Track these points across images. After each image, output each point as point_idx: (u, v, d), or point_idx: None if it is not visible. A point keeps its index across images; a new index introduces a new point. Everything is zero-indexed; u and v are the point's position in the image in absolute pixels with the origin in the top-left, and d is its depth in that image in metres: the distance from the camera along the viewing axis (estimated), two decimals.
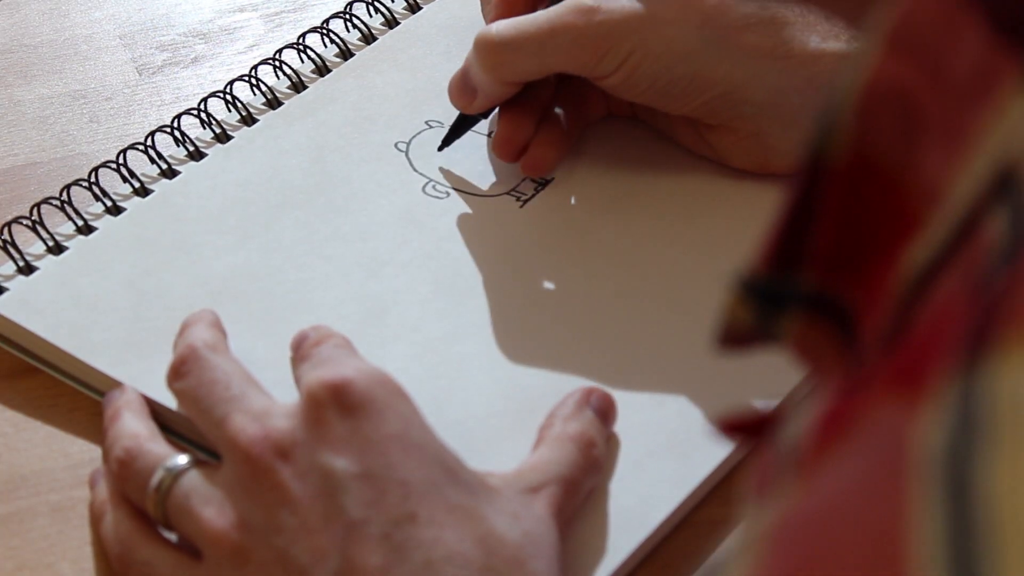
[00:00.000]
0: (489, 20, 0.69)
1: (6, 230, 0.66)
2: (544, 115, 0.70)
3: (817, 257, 0.33)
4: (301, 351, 0.58)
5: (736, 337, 0.35)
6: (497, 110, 0.70)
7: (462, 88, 0.68)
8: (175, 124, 0.71)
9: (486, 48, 0.66)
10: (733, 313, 0.34)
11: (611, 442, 0.58)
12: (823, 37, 0.66)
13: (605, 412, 0.58)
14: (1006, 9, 0.28)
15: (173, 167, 0.70)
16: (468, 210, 0.68)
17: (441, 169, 0.70)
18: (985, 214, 0.27)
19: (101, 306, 0.63)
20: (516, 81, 0.68)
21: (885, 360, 0.28)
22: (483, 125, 0.71)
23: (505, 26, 0.66)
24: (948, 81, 0.29)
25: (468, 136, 0.71)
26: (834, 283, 0.33)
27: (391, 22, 0.78)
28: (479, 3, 0.73)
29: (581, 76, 0.67)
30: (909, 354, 0.27)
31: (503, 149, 0.69)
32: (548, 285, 0.65)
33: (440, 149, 0.71)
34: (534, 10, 0.68)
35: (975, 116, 0.28)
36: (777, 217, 0.33)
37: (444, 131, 0.71)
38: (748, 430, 0.34)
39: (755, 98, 0.67)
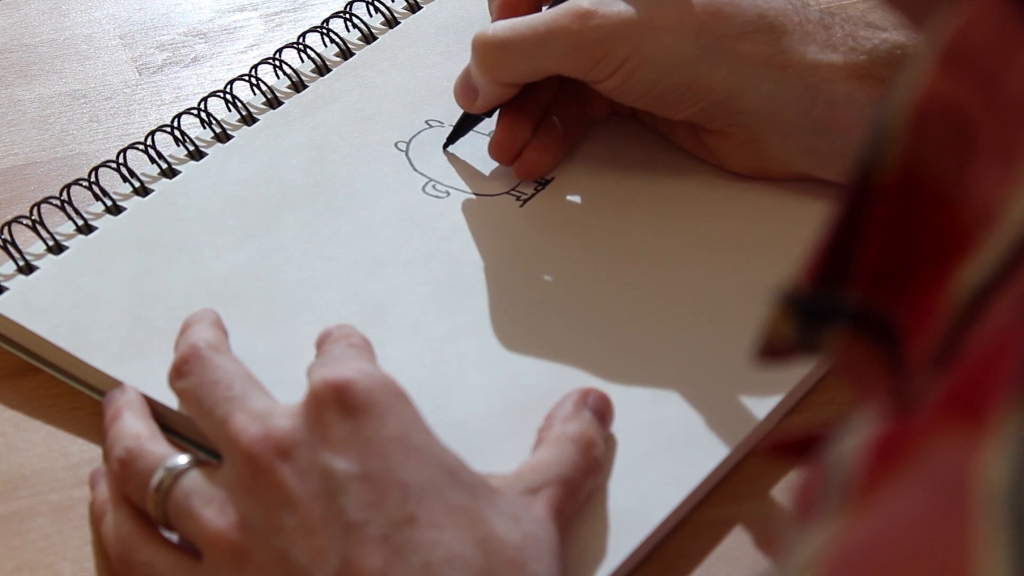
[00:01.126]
0: (494, 19, 0.69)
1: (6, 230, 0.66)
2: (544, 116, 0.70)
3: (863, 274, 0.33)
4: (321, 348, 0.58)
5: (777, 351, 0.35)
6: (499, 110, 0.70)
7: (465, 88, 0.69)
8: (175, 124, 0.71)
9: (482, 49, 0.67)
10: (775, 327, 0.34)
11: (609, 443, 0.58)
12: (821, 47, 0.66)
13: (603, 413, 0.58)
14: None
15: (173, 167, 0.70)
16: (468, 210, 0.68)
17: (443, 163, 0.70)
18: None
19: (101, 306, 0.63)
20: (512, 83, 0.68)
21: (939, 386, 0.28)
22: (485, 125, 0.71)
23: (502, 28, 0.66)
24: (1003, 99, 0.29)
25: (469, 136, 0.71)
26: (879, 301, 0.33)
27: (391, 22, 0.78)
28: (485, 4, 0.73)
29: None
30: (965, 382, 0.27)
31: (499, 152, 0.69)
32: (548, 284, 0.65)
33: (445, 147, 0.71)
34: (538, 11, 0.68)
35: None
36: (824, 232, 0.33)
37: (444, 130, 0.72)
38: (795, 450, 0.34)
39: (752, 106, 0.67)
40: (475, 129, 0.72)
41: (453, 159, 0.71)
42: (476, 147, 0.71)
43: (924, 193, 0.31)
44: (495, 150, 0.69)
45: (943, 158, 0.31)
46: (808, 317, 0.34)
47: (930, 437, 0.27)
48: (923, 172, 0.31)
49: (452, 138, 0.71)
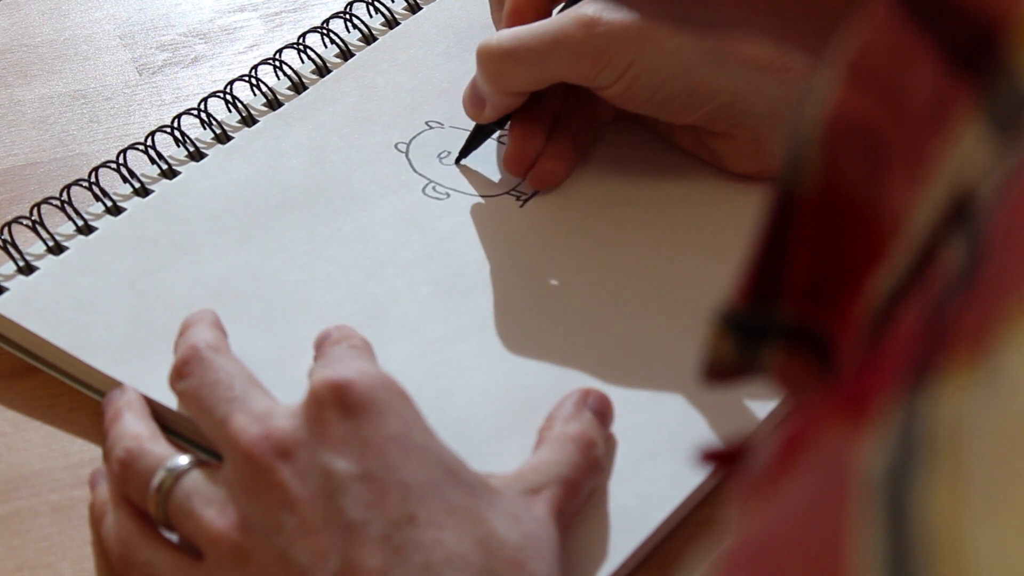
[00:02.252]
0: (499, 28, 0.69)
1: (6, 230, 0.66)
2: (554, 123, 0.70)
3: (793, 289, 0.33)
4: (320, 350, 0.58)
5: (720, 370, 0.35)
6: (510, 122, 0.70)
7: (473, 99, 0.69)
8: (175, 124, 0.71)
9: (487, 58, 0.67)
10: (715, 348, 0.35)
11: (609, 443, 0.58)
12: None
13: (603, 413, 0.58)
14: (957, 40, 0.28)
15: (173, 167, 0.70)
16: (468, 210, 0.68)
17: (443, 165, 0.70)
18: (943, 241, 0.27)
19: (101, 306, 0.63)
20: (519, 91, 0.68)
21: (840, 387, 0.28)
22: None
23: (507, 36, 0.67)
24: (907, 112, 0.29)
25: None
26: (811, 314, 0.33)
27: (391, 22, 0.78)
28: (485, 5, 0.73)
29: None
30: (861, 380, 0.27)
31: (514, 164, 0.69)
32: (548, 285, 0.65)
33: (458, 161, 0.71)
34: (544, 18, 0.68)
35: (933, 145, 0.28)
36: (752, 249, 0.33)
37: (445, 131, 0.72)
38: (726, 458, 0.34)
39: (755, 109, 0.67)
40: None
41: (453, 160, 0.71)
42: (476, 150, 0.71)
43: (843, 206, 0.32)
44: (510, 162, 0.69)
45: (857, 171, 0.31)
46: (745, 335, 0.34)
47: (821, 433, 0.27)
48: (840, 185, 0.32)
49: (465, 152, 0.71)
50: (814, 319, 0.33)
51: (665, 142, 0.72)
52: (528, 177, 0.69)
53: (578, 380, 0.60)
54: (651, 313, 0.64)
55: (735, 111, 0.67)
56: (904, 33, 0.29)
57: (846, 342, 0.32)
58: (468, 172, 0.70)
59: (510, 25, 0.68)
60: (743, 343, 0.34)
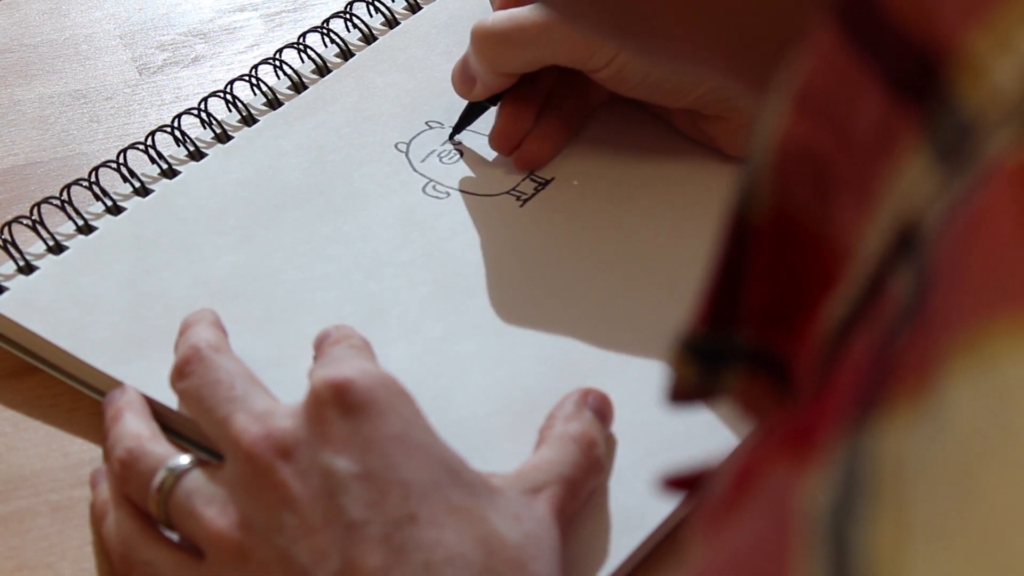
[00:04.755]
0: (495, 8, 0.69)
1: (6, 230, 0.66)
2: (546, 104, 0.70)
3: (751, 313, 0.33)
4: (320, 350, 0.58)
5: (684, 395, 0.35)
6: (501, 100, 0.70)
7: (463, 76, 0.70)
8: (175, 124, 0.71)
9: (481, 39, 0.67)
10: (678, 372, 0.35)
11: (610, 442, 0.58)
12: None
13: (603, 412, 0.58)
14: (900, 69, 0.28)
15: (173, 167, 0.70)
16: (468, 210, 0.68)
17: (443, 164, 0.70)
18: (891, 271, 0.27)
19: (101, 306, 0.63)
20: (511, 72, 0.68)
21: (789, 419, 0.28)
22: (484, 125, 0.71)
23: (501, 18, 0.67)
24: (854, 139, 0.30)
25: (469, 136, 0.72)
26: (770, 338, 0.33)
27: (391, 22, 0.78)
28: (485, 5, 0.73)
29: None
30: (808, 414, 0.27)
31: (500, 142, 0.70)
32: (548, 285, 0.65)
33: (451, 137, 0.71)
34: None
35: (880, 173, 0.28)
36: (709, 275, 0.34)
37: (445, 131, 0.72)
38: (690, 485, 0.34)
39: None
40: (475, 130, 0.72)
41: (453, 160, 0.71)
42: (475, 147, 0.71)
43: (796, 232, 0.32)
44: (496, 139, 0.70)
45: (808, 198, 0.31)
46: (706, 360, 0.34)
47: (769, 465, 0.27)
48: (792, 212, 0.32)
49: (458, 128, 0.72)
50: (773, 343, 0.33)
51: (664, 131, 0.72)
52: (513, 157, 0.70)
53: (578, 379, 0.60)
54: (652, 313, 0.64)
55: (727, 94, 0.67)
56: (849, 61, 0.29)
57: (802, 367, 0.32)
58: (468, 172, 0.70)
59: (505, 7, 0.68)
60: (704, 367, 0.34)
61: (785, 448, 0.27)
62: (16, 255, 0.65)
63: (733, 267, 0.33)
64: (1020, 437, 0.22)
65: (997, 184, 0.24)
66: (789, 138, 0.31)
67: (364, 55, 0.76)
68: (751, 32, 0.33)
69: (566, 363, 0.61)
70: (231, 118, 0.73)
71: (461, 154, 0.71)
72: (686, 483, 0.34)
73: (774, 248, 0.32)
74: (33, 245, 0.66)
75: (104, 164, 0.69)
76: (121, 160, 0.69)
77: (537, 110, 0.70)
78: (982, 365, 0.23)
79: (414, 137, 0.72)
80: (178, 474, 0.54)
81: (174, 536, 0.54)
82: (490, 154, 0.71)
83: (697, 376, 0.35)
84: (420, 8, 0.79)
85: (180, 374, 0.57)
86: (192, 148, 0.71)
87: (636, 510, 0.56)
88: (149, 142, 0.70)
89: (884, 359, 0.25)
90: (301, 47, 0.76)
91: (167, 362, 0.58)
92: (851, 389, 0.26)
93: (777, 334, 0.33)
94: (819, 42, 0.30)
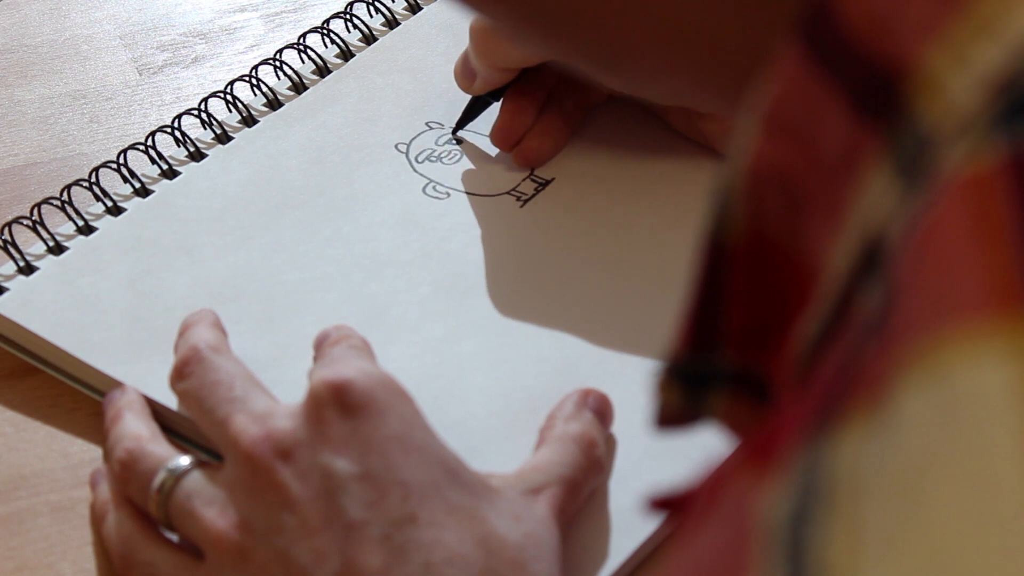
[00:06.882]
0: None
1: (6, 230, 0.66)
2: (548, 101, 0.70)
3: (731, 335, 0.34)
4: (319, 350, 0.58)
5: (671, 420, 0.35)
6: (503, 96, 0.70)
7: (464, 70, 0.70)
8: (175, 124, 0.71)
9: (479, 35, 0.68)
10: (662, 397, 0.35)
11: (610, 443, 0.58)
12: None
13: (603, 413, 0.58)
14: (862, 87, 0.28)
15: (173, 167, 0.70)
16: (468, 210, 0.68)
17: (443, 165, 0.70)
18: (859, 287, 0.27)
19: (101, 306, 0.63)
20: (508, 67, 0.68)
21: (755, 432, 0.28)
22: (483, 125, 0.71)
23: None
24: (821, 158, 0.30)
25: (469, 136, 0.72)
26: (751, 359, 0.34)
27: (392, 22, 0.78)
28: None
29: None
30: (771, 429, 0.28)
31: (501, 137, 0.70)
32: (548, 285, 0.65)
33: (454, 132, 0.72)
34: None
35: (846, 191, 0.29)
36: (688, 298, 0.34)
37: (445, 132, 0.72)
38: (675, 505, 0.34)
39: None
40: (475, 130, 0.72)
41: (453, 160, 0.71)
42: (475, 147, 0.71)
43: (770, 252, 0.32)
44: (497, 136, 0.70)
45: (780, 218, 0.32)
46: (690, 383, 0.34)
47: (733, 479, 0.28)
48: (766, 232, 0.32)
49: (461, 123, 0.72)
50: (753, 364, 0.34)
51: (666, 137, 0.72)
52: (514, 153, 0.70)
53: (578, 380, 0.60)
54: (652, 313, 0.64)
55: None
56: (814, 81, 0.29)
57: (779, 386, 0.32)
58: (468, 172, 0.70)
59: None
60: (689, 391, 0.35)
61: (748, 460, 0.27)
62: (16, 256, 0.65)
63: (711, 290, 0.33)
64: (969, 446, 0.22)
65: (950, 197, 0.24)
66: (759, 160, 0.31)
67: (364, 56, 0.76)
68: (722, 52, 0.33)
69: (566, 363, 0.61)
70: (231, 119, 0.73)
71: (461, 148, 0.71)
72: (671, 503, 0.34)
73: (750, 270, 0.33)
74: (33, 246, 0.66)
75: (104, 164, 0.69)
76: (121, 161, 0.69)
77: (539, 107, 0.70)
78: (933, 375, 0.23)
79: (414, 138, 0.72)
80: (178, 475, 0.54)
81: (174, 537, 0.55)
82: (490, 154, 0.71)
83: (682, 400, 0.35)
84: (420, 8, 0.79)
85: (180, 375, 0.57)
86: (192, 149, 0.71)
87: (636, 510, 0.56)
88: (149, 142, 0.70)
89: (846, 372, 0.25)
90: (301, 47, 0.76)
91: (167, 363, 0.58)
92: (814, 402, 0.26)
93: (757, 355, 0.33)
94: (785, 62, 0.30)
